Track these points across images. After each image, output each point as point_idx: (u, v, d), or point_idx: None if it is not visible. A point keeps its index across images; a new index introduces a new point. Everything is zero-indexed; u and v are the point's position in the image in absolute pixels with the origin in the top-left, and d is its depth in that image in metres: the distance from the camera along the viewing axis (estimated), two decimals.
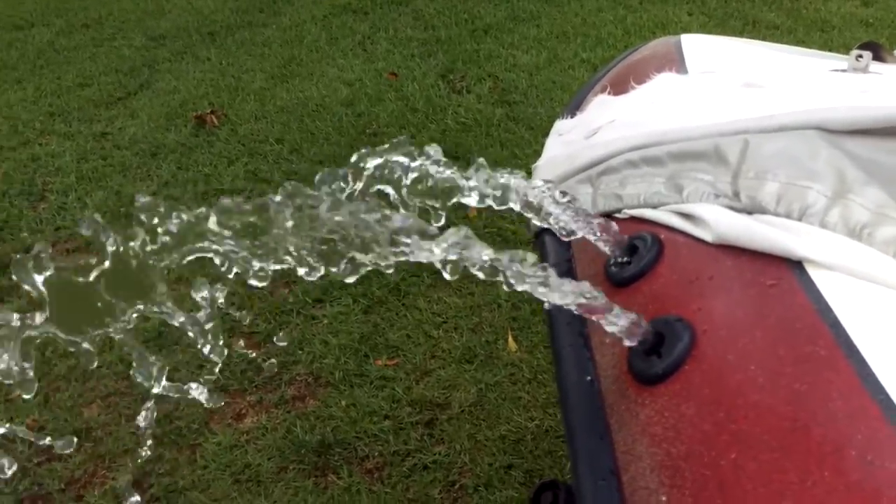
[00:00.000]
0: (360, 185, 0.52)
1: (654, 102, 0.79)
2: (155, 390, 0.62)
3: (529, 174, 0.74)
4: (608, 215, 0.65)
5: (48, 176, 2.92)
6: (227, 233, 0.46)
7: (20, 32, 4.34)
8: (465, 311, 2.15)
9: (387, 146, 0.56)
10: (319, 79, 3.41)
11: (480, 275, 0.47)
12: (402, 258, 0.45)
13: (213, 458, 1.78)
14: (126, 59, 3.85)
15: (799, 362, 0.42)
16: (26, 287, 0.52)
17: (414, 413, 1.85)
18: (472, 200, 0.52)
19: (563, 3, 3.97)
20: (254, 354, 2.04)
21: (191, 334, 0.68)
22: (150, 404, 0.70)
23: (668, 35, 1.11)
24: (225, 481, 1.73)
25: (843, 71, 0.82)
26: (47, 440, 0.69)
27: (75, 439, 0.64)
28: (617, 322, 0.48)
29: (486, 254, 0.46)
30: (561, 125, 0.89)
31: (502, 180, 0.55)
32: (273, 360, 2.05)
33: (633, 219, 0.62)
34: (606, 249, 0.57)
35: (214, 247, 0.47)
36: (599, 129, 0.80)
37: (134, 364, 0.63)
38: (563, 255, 0.68)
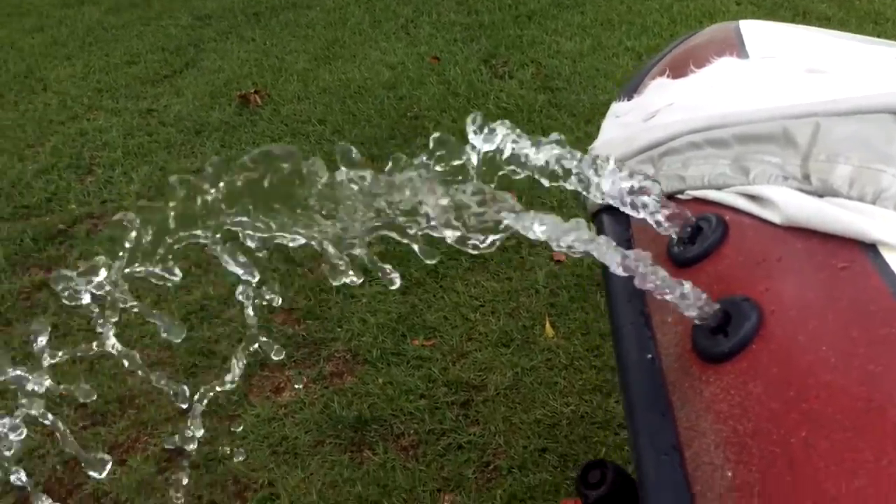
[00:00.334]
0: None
1: (716, 86, 0.78)
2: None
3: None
4: (669, 196, 0.65)
5: (95, 150, 2.99)
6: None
7: (70, 10, 4.43)
8: (502, 296, 2.15)
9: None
10: (362, 61, 3.43)
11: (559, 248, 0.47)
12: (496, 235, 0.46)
13: (251, 429, 1.82)
14: (172, 37, 3.90)
15: (874, 344, 0.42)
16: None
17: (449, 393, 1.86)
18: (544, 179, 0.52)
19: None
20: (293, 330, 2.08)
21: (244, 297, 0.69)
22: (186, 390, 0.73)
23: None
24: (263, 452, 1.76)
25: None
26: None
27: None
28: (684, 300, 0.48)
29: (576, 236, 0.46)
30: (618, 108, 0.88)
31: (565, 156, 0.55)
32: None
33: (696, 200, 0.62)
34: (670, 230, 0.57)
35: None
36: (658, 111, 0.80)
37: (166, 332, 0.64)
38: (622, 235, 0.68)
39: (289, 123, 3.00)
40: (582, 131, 2.73)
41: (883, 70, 0.79)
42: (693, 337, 0.51)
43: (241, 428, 1.83)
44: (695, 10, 3.60)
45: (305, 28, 3.85)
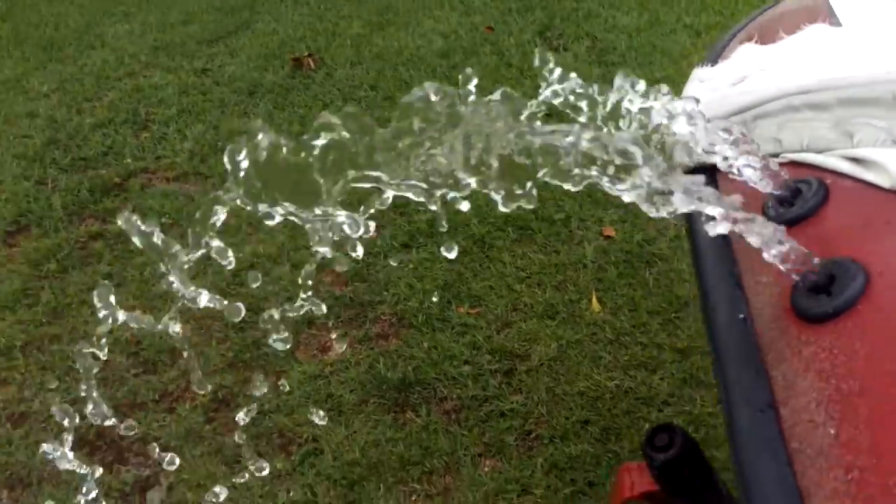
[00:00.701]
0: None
1: (810, 52, 0.76)
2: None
3: None
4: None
5: (151, 107, 3.04)
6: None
7: None
8: (549, 269, 2.14)
9: None
10: (415, 29, 3.41)
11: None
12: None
13: (297, 385, 1.86)
14: None
15: None
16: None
17: (493, 361, 1.87)
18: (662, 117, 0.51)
19: None
20: (340, 291, 2.10)
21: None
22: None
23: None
24: (307, 408, 1.80)
25: None
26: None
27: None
28: (788, 258, 0.48)
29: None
30: (702, 73, 0.87)
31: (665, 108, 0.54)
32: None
33: (793, 163, 0.61)
34: (767, 191, 0.56)
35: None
36: (747, 76, 0.78)
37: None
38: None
39: (341, 88, 3.01)
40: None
41: None
42: (792, 297, 0.51)
43: (288, 384, 1.87)
44: None
45: None
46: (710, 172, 0.64)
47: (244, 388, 1.88)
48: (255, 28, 3.57)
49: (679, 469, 0.73)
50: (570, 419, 1.72)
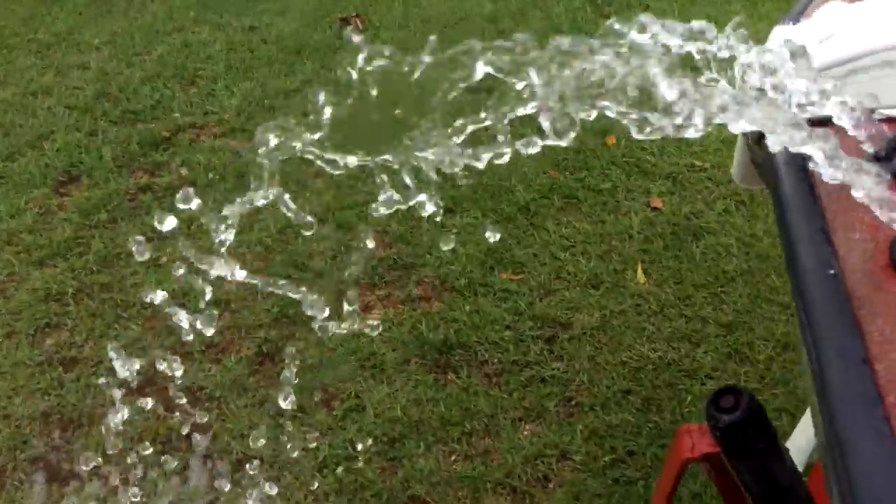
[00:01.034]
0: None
1: None
2: None
3: None
4: None
5: (199, 63, 3.05)
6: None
7: None
8: (594, 238, 2.13)
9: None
10: None
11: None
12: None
13: (341, 342, 1.88)
14: None
15: None
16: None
17: (535, 328, 1.87)
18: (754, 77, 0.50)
19: None
20: (385, 253, 2.11)
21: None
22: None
23: None
24: (351, 365, 1.82)
25: None
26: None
27: None
28: (893, 211, 0.46)
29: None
30: (784, 31, 0.84)
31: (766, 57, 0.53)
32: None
33: (890, 119, 0.59)
34: (865, 145, 0.54)
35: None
36: (834, 34, 0.76)
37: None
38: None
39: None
40: None
41: None
42: (891, 252, 0.49)
43: (331, 342, 1.89)
44: None
45: None
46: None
47: (288, 343, 1.90)
48: None
49: (742, 432, 0.72)
50: (611, 388, 1.72)
